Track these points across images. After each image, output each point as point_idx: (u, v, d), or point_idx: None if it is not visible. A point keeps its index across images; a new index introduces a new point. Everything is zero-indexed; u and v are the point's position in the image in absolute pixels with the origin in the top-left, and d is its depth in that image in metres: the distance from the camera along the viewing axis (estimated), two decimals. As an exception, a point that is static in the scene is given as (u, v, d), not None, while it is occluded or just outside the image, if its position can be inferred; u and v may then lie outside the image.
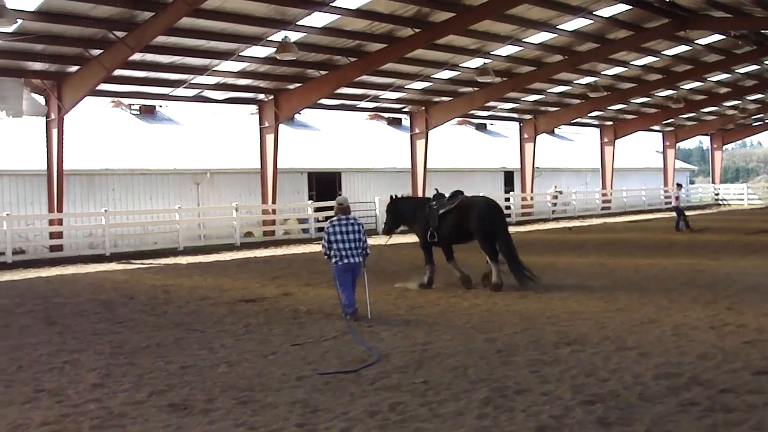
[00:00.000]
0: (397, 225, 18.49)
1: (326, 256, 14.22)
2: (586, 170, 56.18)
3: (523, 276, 16.82)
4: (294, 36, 27.63)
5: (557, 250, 26.39)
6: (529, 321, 13.01)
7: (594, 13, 30.82)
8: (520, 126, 48.63)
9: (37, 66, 27.45)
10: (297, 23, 27.09)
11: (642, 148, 64.07)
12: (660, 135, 61.77)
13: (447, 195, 17.81)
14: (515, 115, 48.26)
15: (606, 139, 54.37)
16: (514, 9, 28.52)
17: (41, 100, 28.56)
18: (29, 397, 9.20)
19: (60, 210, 28.75)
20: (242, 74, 31.74)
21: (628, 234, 33.76)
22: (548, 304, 14.80)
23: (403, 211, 18.26)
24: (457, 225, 17.09)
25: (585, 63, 37.40)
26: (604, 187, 53.87)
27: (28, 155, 30.73)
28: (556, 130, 57.86)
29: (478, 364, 10.09)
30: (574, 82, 42.03)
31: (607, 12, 31.13)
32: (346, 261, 13.92)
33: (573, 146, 60.25)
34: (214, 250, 30.20)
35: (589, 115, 49.99)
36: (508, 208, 45.40)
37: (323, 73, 32.73)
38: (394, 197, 18.71)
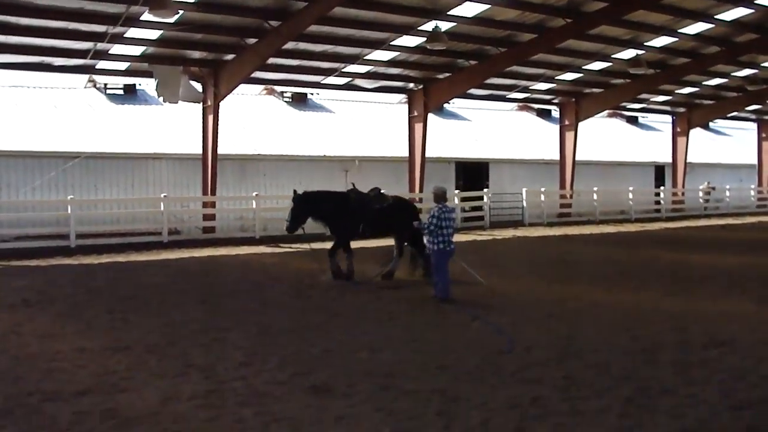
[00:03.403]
0: (305, 221, 17.73)
1: (425, 235, 15.02)
2: (741, 166, 54.01)
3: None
4: (444, 25, 27.64)
5: (709, 249, 25.55)
6: (676, 320, 12.64)
7: (755, 2, 29.54)
8: (673, 119, 47.23)
9: (196, 54, 28.38)
10: (448, 13, 27.11)
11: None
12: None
13: (358, 190, 18.30)
14: (668, 108, 46.81)
15: (764, 134, 52.00)
16: (670, -2, 27.70)
17: (198, 87, 29.52)
18: (180, 371, 9.57)
19: (213, 193, 29.67)
20: (392, 63, 31.94)
21: (787, 233, 32.37)
22: (697, 303, 14.36)
23: (318, 206, 17.71)
24: (386, 221, 17.89)
25: (744, 54, 35.90)
26: (760, 183, 51.75)
27: (186, 139, 31.85)
28: (711, 124, 55.91)
29: (622, 362, 9.89)
30: (732, 74, 40.42)
31: (768, 1, 29.79)
32: (451, 247, 14.80)
33: (728, 141, 58.00)
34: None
35: (746, 109, 48.04)
36: (658, 203, 44.31)
37: (473, 62, 32.59)
38: (297, 192, 17.82)
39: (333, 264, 17.57)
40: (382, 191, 18.54)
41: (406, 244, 18.11)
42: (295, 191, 17.86)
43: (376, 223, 17.79)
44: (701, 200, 46.91)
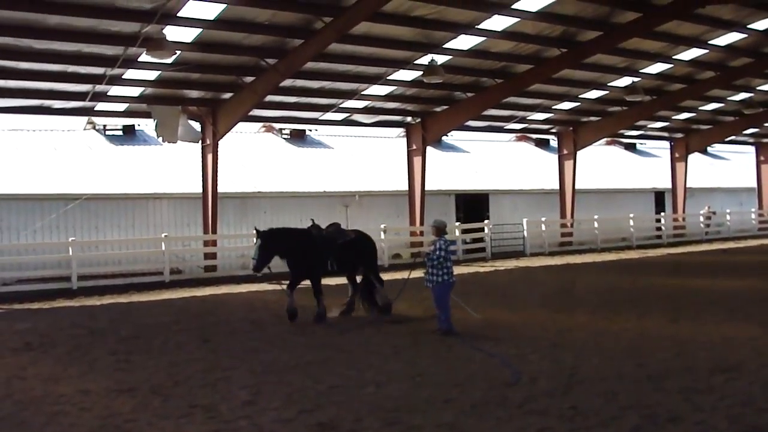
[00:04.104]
0: (270, 260, 16.92)
1: (428, 269, 14.72)
2: (740, 190, 54.06)
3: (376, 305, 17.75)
4: (440, 59, 27.81)
5: (711, 273, 25.50)
6: (681, 346, 12.61)
7: (748, 26, 29.71)
8: (671, 145, 47.33)
9: (194, 94, 28.52)
10: (443, 46, 27.25)
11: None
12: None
13: (318, 226, 17.93)
14: (666, 134, 46.96)
15: (762, 157, 52.08)
16: (663, 26, 27.76)
17: (197, 126, 29.63)
18: (184, 411, 9.52)
19: (214, 231, 29.69)
20: (390, 98, 32.08)
21: (789, 257, 32.30)
22: (702, 329, 14.32)
23: (285, 243, 17.15)
24: (352, 256, 17.74)
25: (739, 79, 36.12)
26: (760, 206, 51.76)
27: (186, 179, 31.89)
28: (710, 149, 56.02)
29: (628, 390, 9.85)
30: (728, 98, 40.58)
31: (762, 25, 29.87)
32: (453, 279, 14.78)
33: (727, 165, 58.09)
34: (362, 271, 30.38)
35: (744, 132, 48.15)
36: (659, 229, 44.26)
37: (470, 95, 32.72)
38: (259, 230, 17.02)
39: (322, 305, 17.21)
40: (339, 224, 18.49)
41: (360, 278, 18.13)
42: (256, 228, 17.27)
43: (342, 258, 17.50)
44: (702, 225, 46.88)
